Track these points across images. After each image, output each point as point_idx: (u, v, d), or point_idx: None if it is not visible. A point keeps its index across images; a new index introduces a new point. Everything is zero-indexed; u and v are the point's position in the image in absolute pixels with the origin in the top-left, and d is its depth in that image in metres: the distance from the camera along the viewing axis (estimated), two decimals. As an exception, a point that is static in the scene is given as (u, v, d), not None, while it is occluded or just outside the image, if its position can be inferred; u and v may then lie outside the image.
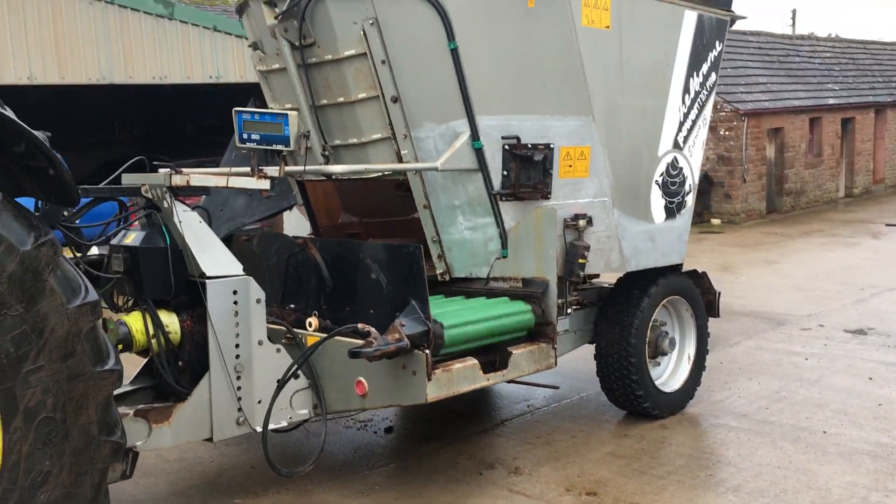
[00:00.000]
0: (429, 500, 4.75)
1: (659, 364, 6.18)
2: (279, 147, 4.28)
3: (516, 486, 4.92)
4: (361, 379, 4.49)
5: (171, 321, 4.44)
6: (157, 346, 4.37)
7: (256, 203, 5.49)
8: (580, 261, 5.20)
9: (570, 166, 5.20)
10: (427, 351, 4.28)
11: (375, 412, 6.21)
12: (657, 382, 6.11)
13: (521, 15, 4.87)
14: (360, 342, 4.24)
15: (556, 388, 5.99)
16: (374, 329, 4.27)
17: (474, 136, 4.92)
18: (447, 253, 5.27)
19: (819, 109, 19.15)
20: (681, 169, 5.85)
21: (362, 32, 4.81)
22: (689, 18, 5.74)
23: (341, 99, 5.10)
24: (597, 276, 6.01)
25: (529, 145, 5.04)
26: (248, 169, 4.45)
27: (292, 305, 5.00)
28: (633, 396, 5.86)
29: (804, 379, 6.88)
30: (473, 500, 4.76)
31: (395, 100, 4.94)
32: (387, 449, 5.65)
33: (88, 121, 16.35)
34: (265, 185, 4.39)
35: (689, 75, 5.81)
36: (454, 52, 4.78)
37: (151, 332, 4.37)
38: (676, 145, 5.79)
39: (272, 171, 4.48)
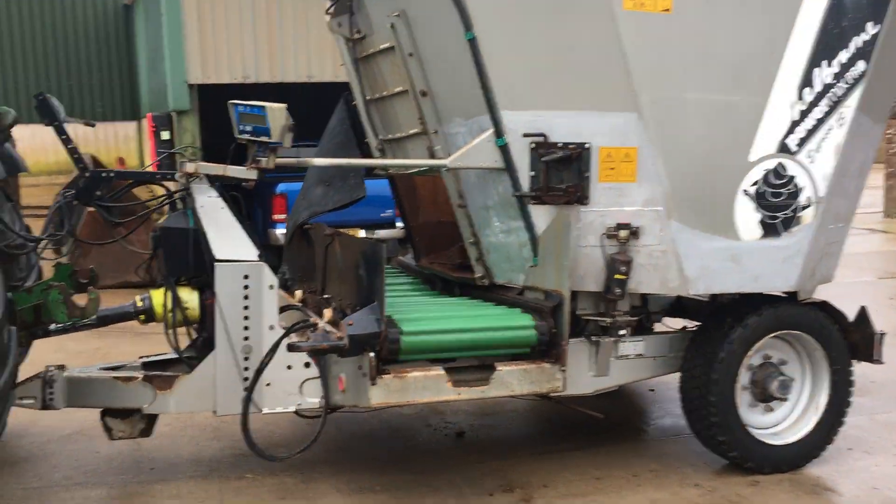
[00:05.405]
0: (411, 510, 4.57)
1: (772, 410, 5.20)
2: (264, 139, 4.41)
3: (508, 515, 4.53)
4: (343, 375, 4.47)
5: (190, 298, 4.79)
6: (171, 320, 4.76)
7: (332, 193, 5.65)
8: (617, 276, 4.59)
9: (612, 169, 4.59)
10: (371, 353, 4.14)
11: (469, 413, 6.08)
12: (768, 431, 5.18)
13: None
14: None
15: (601, 416, 5.32)
16: (323, 325, 4.23)
17: (498, 132, 4.59)
18: (486, 256, 4.99)
19: None
20: (791, 178, 4.82)
21: (391, 25, 4.74)
22: (816, -5, 4.71)
23: (385, 93, 5.07)
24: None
25: (559, 144, 4.56)
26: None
27: (327, 295, 5.10)
28: (714, 441, 5.02)
29: None
30: (451, 518, 4.49)
31: (425, 94, 4.81)
32: (427, 453, 5.48)
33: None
34: (252, 175, 4.54)
35: (812, 65, 4.76)
36: (472, 43, 4.50)
37: (169, 306, 4.78)
38: (784, 149, 4.79)
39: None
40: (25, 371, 4.79)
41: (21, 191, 15.68)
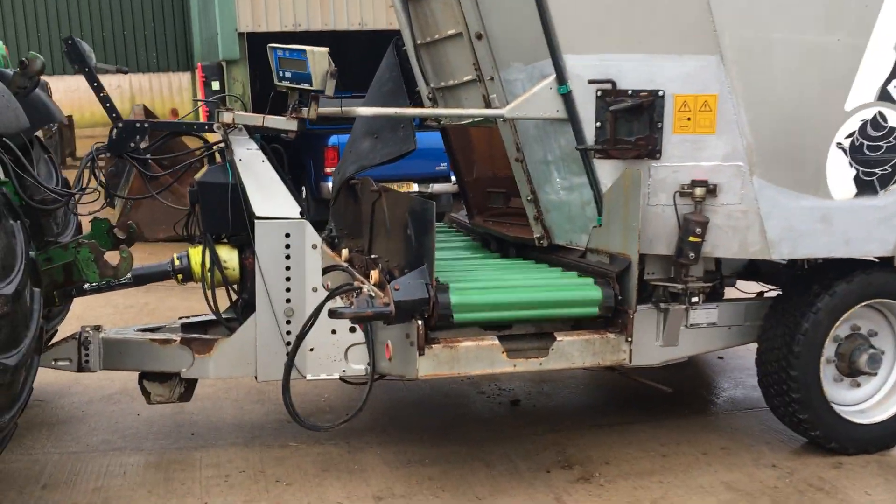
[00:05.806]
0: (462, 488, 4.26)
1: (859, 385, 4.75)
2: (305, 86, 4.06)
3: (566, 495, 4.19)
4: (389, 343, 4.16)
5: (230, 257, 4.52)
6: (208, 279, 4.49)
7: (380, 146, 5.29)
8: (691, 239, 4.15)
9: (689, 119, 4.13)
10: (419, 321, 3.80)
11: (520, 382, 5.75)
12: (854, 409, 4.74)
13: (618, -74, 3.94)
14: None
15: (668, 391, 4.91)
16: (368, 289, 3.90)
17: (560, 78, 4.15)
18: (545, 215, 4.60)
19: None
20: (891, 129, 4.29)
21: (443, -41, 4.32)
22: (925, -83, 4.13)
23: (436, 36, 4.66)
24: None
25: (629, 91, 4.11)
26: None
27: (374, 255, 4.77)
28: (795, 419, 4.59)
29: None
30: (504, 499, 4.16)
31: (480, 37, 4.39)
32: (479, 423, 5.16)
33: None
34: (292, 125, 4.19)
35: (919, 0, 4.21)
36: (533, -22, 4.05)
37: (207, 265, 4.51)
38: (885, 97, 4.26)
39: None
40: (67, 328, 4.60)
41: (77, 142, 15.71)
